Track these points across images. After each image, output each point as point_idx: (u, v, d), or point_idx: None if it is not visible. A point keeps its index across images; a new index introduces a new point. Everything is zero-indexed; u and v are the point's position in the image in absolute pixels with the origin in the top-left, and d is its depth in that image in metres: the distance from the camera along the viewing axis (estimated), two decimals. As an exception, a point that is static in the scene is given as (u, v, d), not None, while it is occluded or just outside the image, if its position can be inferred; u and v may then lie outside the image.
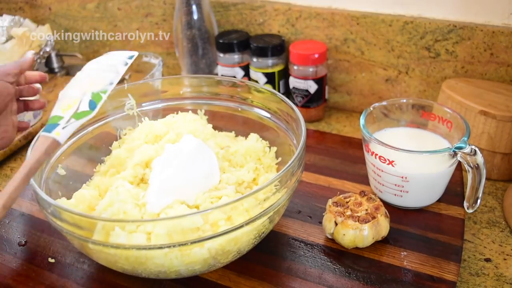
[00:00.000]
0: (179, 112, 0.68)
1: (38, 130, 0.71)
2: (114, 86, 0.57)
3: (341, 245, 0.57)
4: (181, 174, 0.54)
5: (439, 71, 0.79)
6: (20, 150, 0.81)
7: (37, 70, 0.97)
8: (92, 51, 1.09)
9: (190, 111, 0.68)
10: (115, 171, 0.62)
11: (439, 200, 0.63)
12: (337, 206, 0.58)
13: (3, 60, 0.94)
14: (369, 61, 0.84)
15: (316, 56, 0.80)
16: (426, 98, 0.82)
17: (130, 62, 0.60)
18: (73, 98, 0.54)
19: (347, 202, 0.58)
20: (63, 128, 0.51)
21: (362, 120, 0.62)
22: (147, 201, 0.52)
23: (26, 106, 0.65)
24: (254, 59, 0.85)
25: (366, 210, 0.57)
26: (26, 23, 0.99)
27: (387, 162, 0.59)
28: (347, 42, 0.84)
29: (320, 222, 0.60)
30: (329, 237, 0.58)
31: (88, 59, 1.09)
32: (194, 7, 0.86)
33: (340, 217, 0.56)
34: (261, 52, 0.84)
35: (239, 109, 0.68)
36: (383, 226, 0.56)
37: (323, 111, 0.87)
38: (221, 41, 0.86)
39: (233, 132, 0.69)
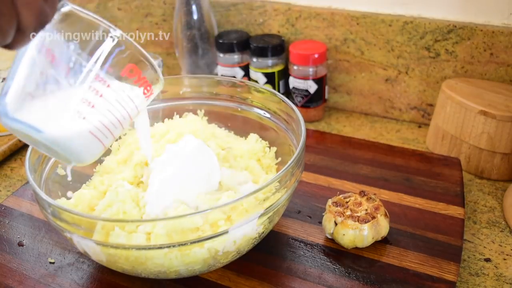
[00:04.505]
0: (179, 112, 0.68)
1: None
2: None
3: (341, 245, 0.57)
4: (181, 175, 0.54)
5: (439, 71, 0.79)
6: (20, 150, 0.81)
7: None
8: (92, 51, 1.09)
9: (190, 113, 0.68)
10: (115, 171, 0.62)
11: (438, 200, 0.63)
12: (336, 206, 0.58)
13: (3, 60, 0.94)
14: (369, 61, 0.84)
15: (316, 56, 0.80)
16: (426, 98, 0.82)
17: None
18: None
19: (347, 202, 0.58)
20: None
21: None
22: (147, 201, 0.52)
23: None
24: (254, 59, 0.85)
25: (366, 210, 0.57)
26: (26, 23, 0.99)
27: None
28: (347, 42, 0.84)
29: (320, 222, 0.60)
30: (329, 237, 0.58)
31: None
32: (194, 7, 0.86)
33: (340, 217, 0.56)
34: (261, 52, 0.83)
35: (239, 109, 0.68)
36: (383, 226, 0.56)
37: (323, 111, 0.87)
38: (221, 41, 0.86)
39: (233, 132, 0.69)
